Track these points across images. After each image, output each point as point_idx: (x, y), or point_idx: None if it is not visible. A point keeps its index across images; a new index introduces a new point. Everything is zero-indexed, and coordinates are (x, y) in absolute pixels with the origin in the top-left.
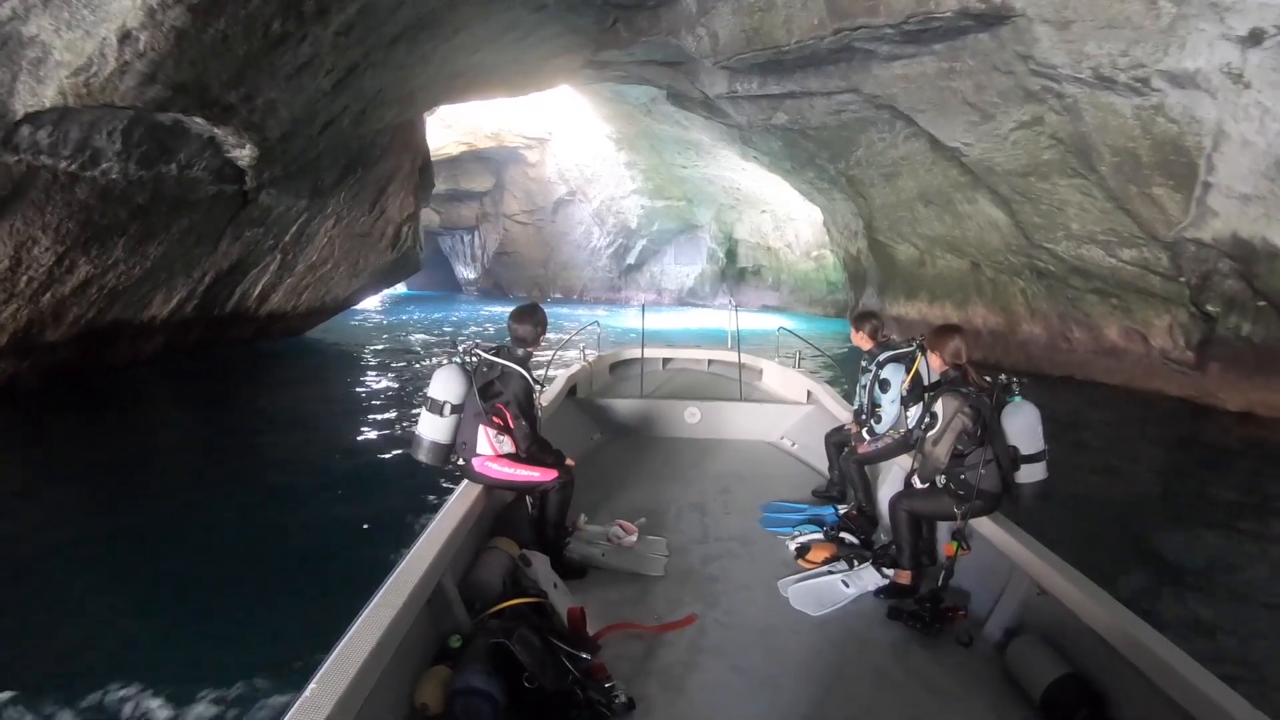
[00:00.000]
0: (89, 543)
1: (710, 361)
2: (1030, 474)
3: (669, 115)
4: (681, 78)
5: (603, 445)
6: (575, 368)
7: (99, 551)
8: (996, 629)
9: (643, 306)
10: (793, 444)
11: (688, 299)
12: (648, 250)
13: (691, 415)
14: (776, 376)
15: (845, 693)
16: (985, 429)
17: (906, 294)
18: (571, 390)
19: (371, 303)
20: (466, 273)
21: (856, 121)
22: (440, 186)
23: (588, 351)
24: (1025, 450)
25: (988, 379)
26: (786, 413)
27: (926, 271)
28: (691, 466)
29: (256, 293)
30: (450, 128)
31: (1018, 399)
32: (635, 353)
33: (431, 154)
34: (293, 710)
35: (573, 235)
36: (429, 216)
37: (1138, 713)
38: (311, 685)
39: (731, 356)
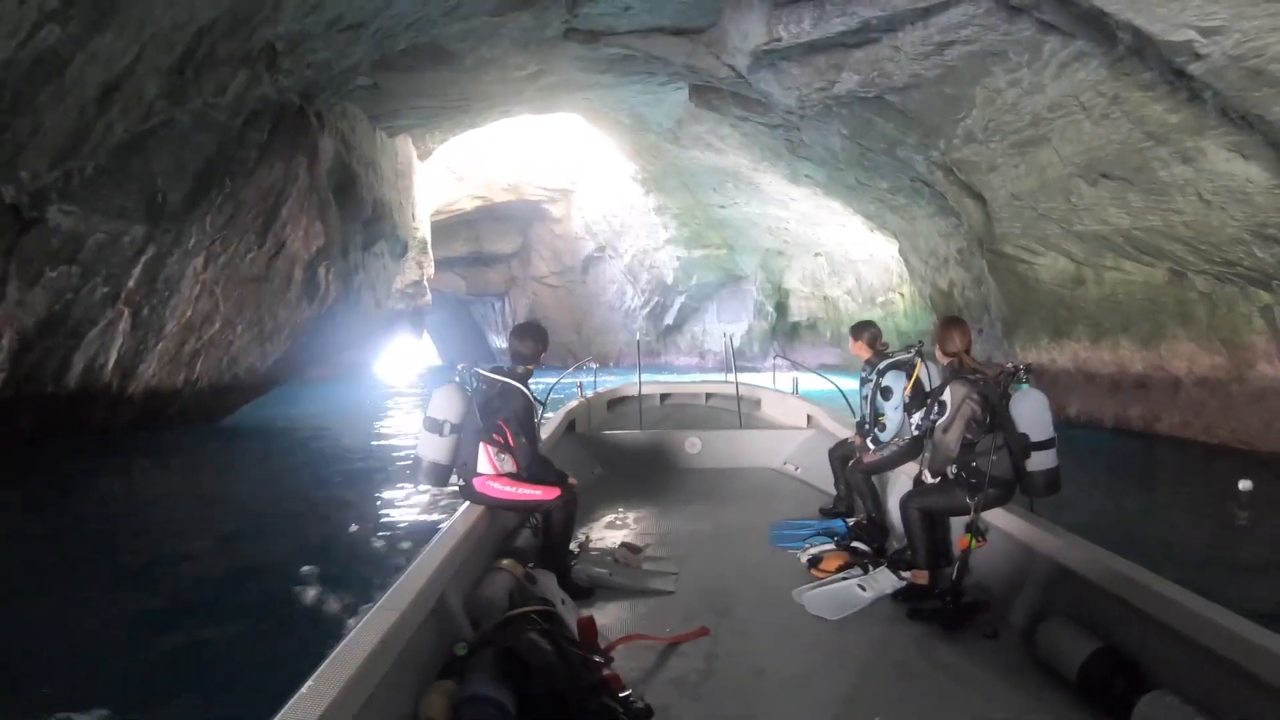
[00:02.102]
0: None
1: (708, 395)
2: (1041, 461)
3: (698, 137)
4: (702, 51)
5: (604, 479)
6: (573, 404)
7: None
8: (1021, 616)
9: (638, 339)
10: (796, 468)
11: (736, 361)
12: (687, 308)
13: (692, 445)
14: (776, 404)
15: (872, 689)
16: (994, 416)
17: (1053, 331)
18: (570, 426)
19: (400, 377)
20: (498, 342)
21: (972, 61)
22: (461, 249)
23: (585, 388)
24: (1035, 437)
25: (993, 367)
26: (788, 438)
27: (1087, 294)
28: (695, 494)
29: (111, 362)
30: (462, 180)
31: (1025, 386)
32: (633, 390)
33: (443, 210)
34: (284, 710)
35: (605, 296)
36: (454, 282)
37: (1178, 672)
38: (307, 685)
39: (729, 389)
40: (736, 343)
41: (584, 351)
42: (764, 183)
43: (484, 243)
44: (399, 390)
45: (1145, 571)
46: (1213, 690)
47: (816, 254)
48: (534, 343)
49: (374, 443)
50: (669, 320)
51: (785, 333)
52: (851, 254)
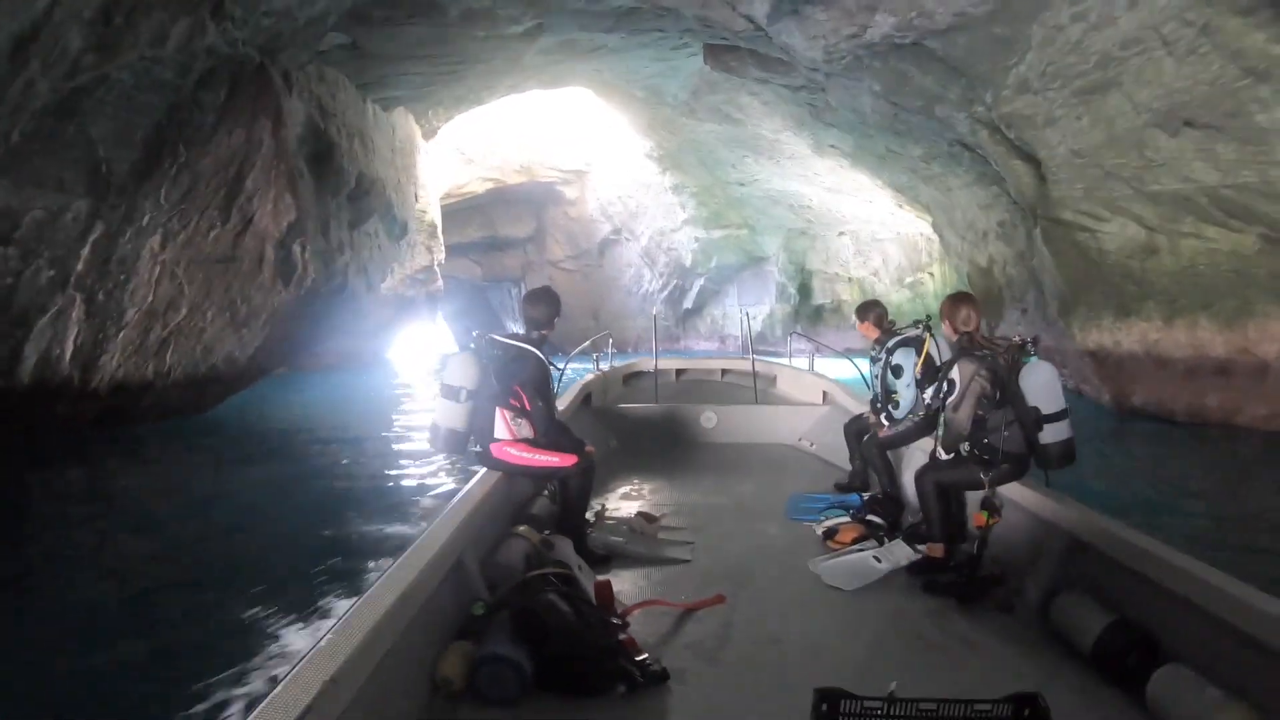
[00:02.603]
0: None
1: (724, 370)
2: (1055, 433)
3: (715, 108)
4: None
5: (619, 451)
6: (589, 377)
7: None
8: (1037, 590)
9: (655, 312)
10: (811, 444)
11: (756, 345)
12: (707, 291)
13: (708, 420)
14: (791, 380)
15: (888, 658)
16: (1004, 390)
17: (1118, 310)
18: (586, 399)
19: (414, 364)
20: (515, 329)
21: None
22: (475, 234)
23: (601, 362)
24: (1046, 410)
25: (1001, 340)
26: (804, 414)
27: (1161, 265)
28: (711, 468)
29: (68, 353)
30: (472, 163)
31: (1034, 359)
32: (648, 365)
33: (453, 194)
34: (300, 663)
35: (622, 280)
36: (469, 268)
37: (1193, 645)
38: (324, 639)
39: (745, 365)
40: (758, 326)
41: (601, 338)
42: (786, 155)
43: (498, 227)
44: (407, 380)
45: (1161, 544)
46: (1229, 663)
47: (841, 233)
48: (546, 307)
49: (371, 434)
50: (688, 304)
51: (808, 316)
52: (878, 233)
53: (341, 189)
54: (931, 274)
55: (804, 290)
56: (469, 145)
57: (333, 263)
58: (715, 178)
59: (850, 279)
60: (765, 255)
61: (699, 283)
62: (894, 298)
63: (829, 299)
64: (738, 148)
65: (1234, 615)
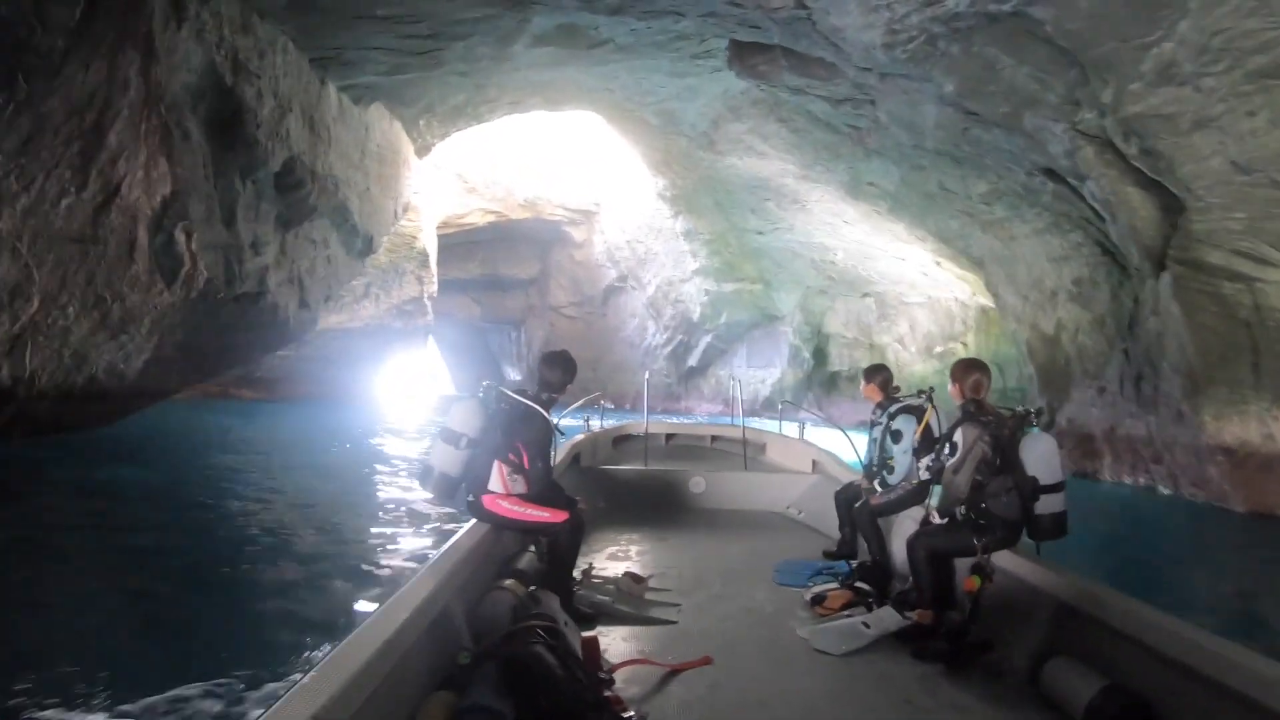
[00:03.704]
0: None
1: (714, 437)
2: (1049, 505)
3: (737, 140)
4: None
5: (607, 513)
6: (579, 437)
7: None
8: (1027, 656)
9: (647, 375)
10: (800, 512)
11: (763, 411)
12: (713, 349)
13: (697, 485)
14: (780, 449)
15: None
16: (1004, 458)
17: (1277, 393)
18: (575, 459)
19: (401, 407)
20: (513, 374)
21: None
22: (475, 271)
23: (591, 422)
24: (1044, 480)
25: (1005, 410)
26: (793, 482)
27: None
28: (699, 532)
29: None
30: (473, 192)
31: (1035, 430)
32: (639, 428)
33: (451, 223)
34: (277, 705)
35: (624, 331)
36: (468, 307)
37: (1187, 707)
38: (301, 684)
39: (735, 432)
40: (766, 391)
41: (599, 390)
42: (813, 199)
43: (500, 266)
44: (383, 424)
45: (1152, 609)
46: None
47: (865, 294)
48: (563, 373)
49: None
50: (692, 361)
51: (822, 383)
52: (906, 295)
53: (255, 169)
54: (965, 344)
55: (819, 355)
56: (471, 172)
57: (240, 263)
58: (731, 223)
59: (871, 345)
60: (779, 314)
61: (706, 339)
62: (920, 368)
63: (846, 366)
64: (759, 189)
65: (1229, 677)
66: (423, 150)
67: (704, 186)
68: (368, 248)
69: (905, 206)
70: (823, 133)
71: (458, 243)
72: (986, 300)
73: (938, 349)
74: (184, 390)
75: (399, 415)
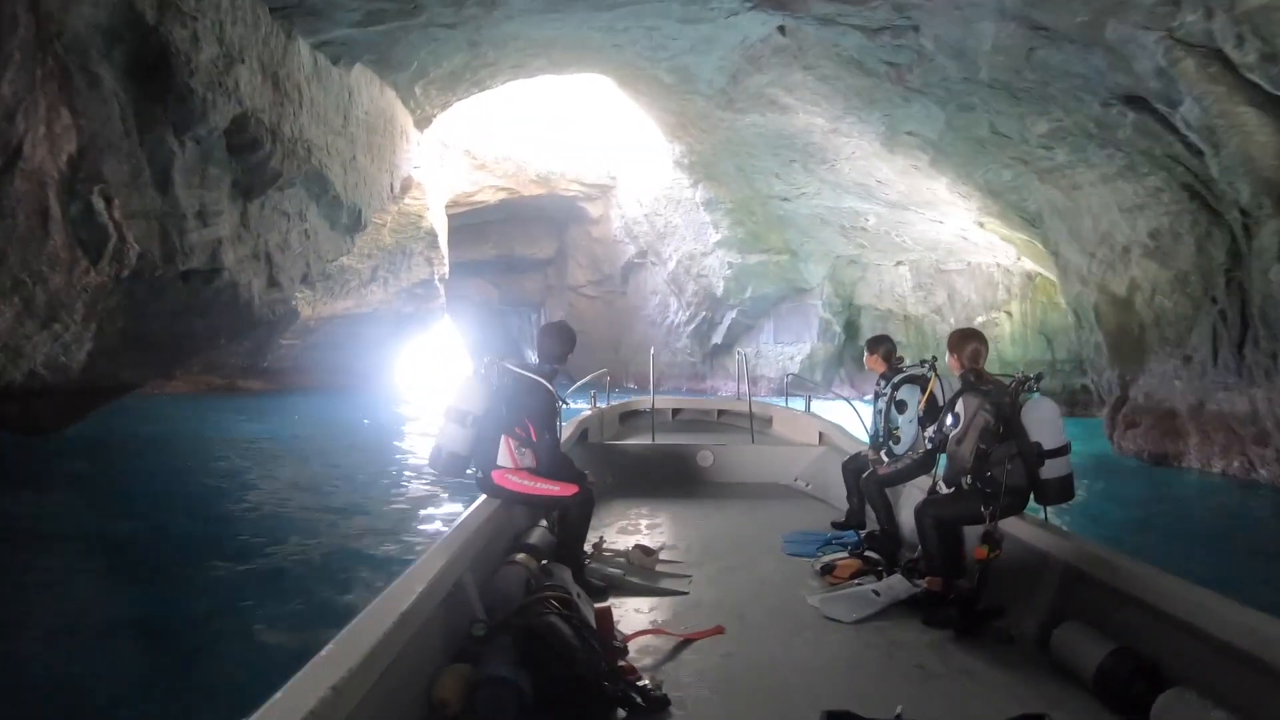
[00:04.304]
0: None
1: (720, 411)
2: (1055, 469)
3: (758, 93)
4: None
5: (616, 488)
6: (586, 413)
7: None
8: (1037, 621)
9: (653, 350)
10: (807, 484)
11: (792, 389)
12: (738, 325)
13: (704, 459)
14: (787, 422)
15: (890, 688)
16: (1007, 425)
17: None
18: (583, 435)
19: (415, 394)
20: (534, 357)
21: None
22: (491, 253)
23: (598, 399)
24: (1048, 445)
25: (1005, 377)
26: (800, 454)
27: None
28: (707, 505)
29: None
30: (483, 168)
31: (1036, 395)
32: (646, 403)
33: (461, 202)
34: (293, 680)
35: (645, 309)
36: (486, 290)
37: (1196, 668)
38: (319, 656)
39: (741, 406)
40: (795, 368)
41: (621, 371)
42: (843, 157)
43: (515, 246)
44: (385, 412)
45: (1160, 571)
46: (1233, 685)
47: (899, 262)
48: (562, 343)
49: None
50: (717, 339)
51: (855, 358)
52: (944, 262)
53: (192, 124)
54: (1009, 313)
55: (850, 328)
56: (480, 148)
57: (182, 235)
58: (754, 190)
59: (906, 317)
60: (808, 286)
61: (730, 315)
62: None
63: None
64: (784, 149)
65: (1237, 637)
66: (423, 122)
67: (724, 150)
68: (356, 222)
69: (949, 157)
70: (854, 76)
71: (470, 223)
72: (1033, 265)
73: (979, 319)
74: (155, 384)
75: (414, 402)
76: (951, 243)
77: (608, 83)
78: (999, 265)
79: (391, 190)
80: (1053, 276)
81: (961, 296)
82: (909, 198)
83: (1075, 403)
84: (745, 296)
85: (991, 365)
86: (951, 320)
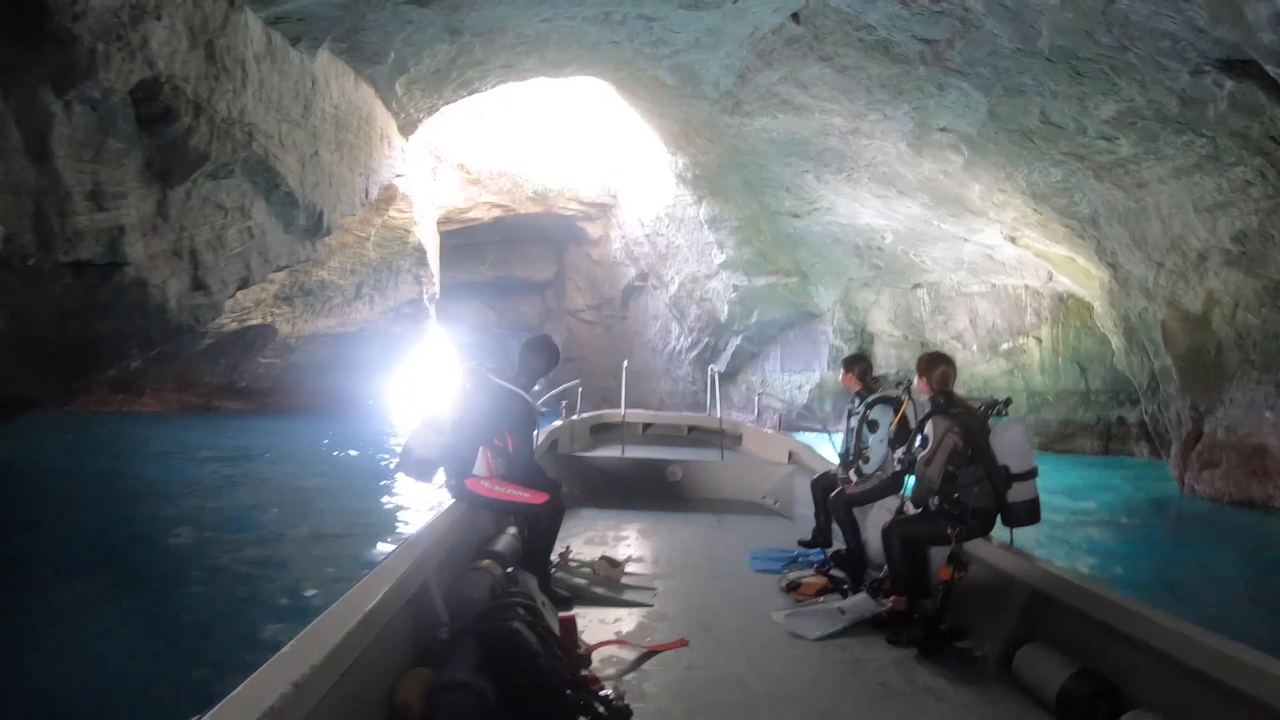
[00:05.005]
0: None
1: (690, 427)
2: (1022, 492)
3: (769, 93)
4: None
5: (584, 499)
6: (556, 424)
7: None
8: (1001, 642)
9: (624, 364)
10: (775, 502)
11: (800, 421)
12: (743, 352)
13: (673, 474)
14: (757, 440)
15: (853, 706)
16: (976, 448)
17: None
18: (553, 445)
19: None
20: (537, 386)
21: None
22: (488, 273)
23: (569, 409)
24: (1015, 469)
25: (974, 401)
26: (769, 472)
27: None
28: (675, 520)
29: None
30: (477, 183)
31: (1005, 419)
32: (616, 417)
33: (454, 218)
34: (252, 677)
35: (646, 335)
36: (482, 313)
37: (1157, 690)
38: (279, 655)
39: (712, 423)
40: (804, 398)
41: (619, 398)
42: (862, 164)
43: (513, 268)
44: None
45: (1122, 595)
46: (1193, 707)
47: (916, 285)
48: (547, 358)
49: None
50: (721, 367)
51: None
52: (966, 284)
53: (77, 81)
54: (1038, 338)
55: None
56: (474, 162)
57: (64, 217)
58: (762, 206)
59: (924, 343)
60: (817, 311)
61: (735, 342)
62: (983, 369)
63: (894, 368)
64: (795, 158)
65: (1198, 660)
66: (408, 127)
67: (730, 161)
68: (316, 226)
69: (987, 156)
70: (880, 64)
71: (465, 243)
72: (1069, 284)
73: (1005, 346)
74: (120, 401)
75: (400, 425)
76: (975, 262)
77: (606, 92)
78: (1027, 287)
79: (366, 196)
80: (1089, 297)
81: (984, 321)
82: (933, 210)
83: (1111, 437)
84: (751, 322)
85: (1017, 395)
86: (974, 347)
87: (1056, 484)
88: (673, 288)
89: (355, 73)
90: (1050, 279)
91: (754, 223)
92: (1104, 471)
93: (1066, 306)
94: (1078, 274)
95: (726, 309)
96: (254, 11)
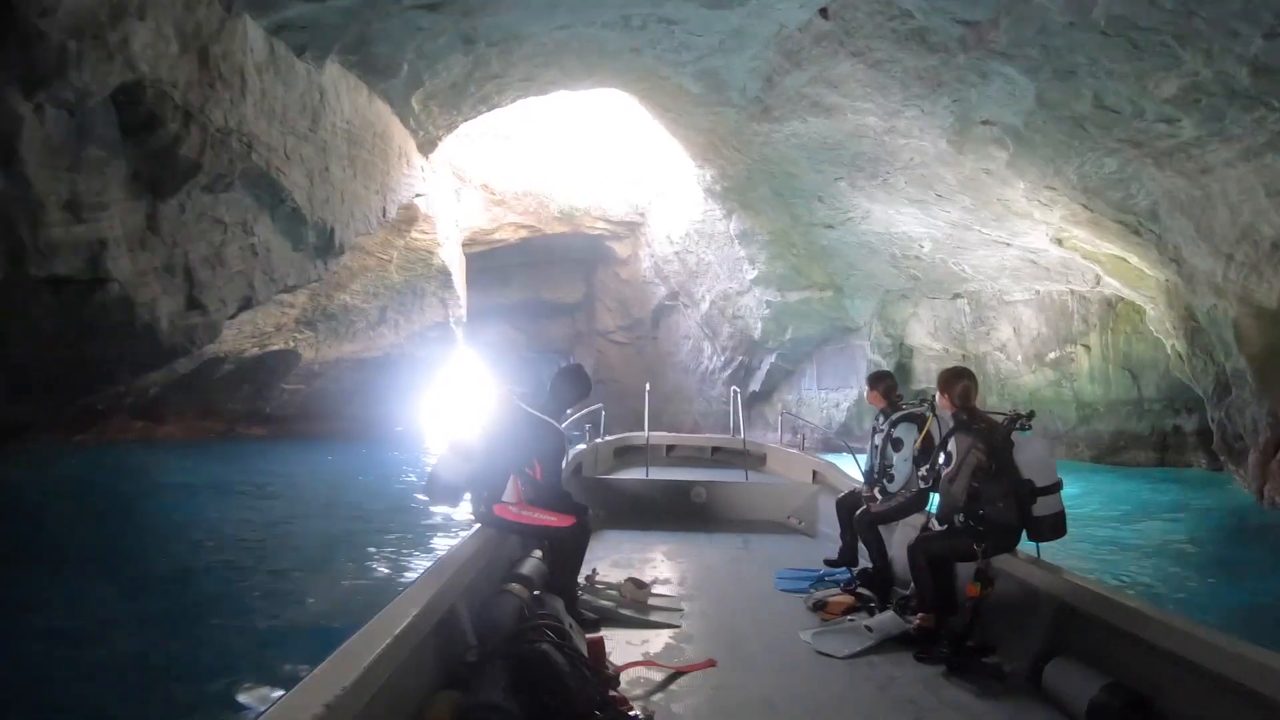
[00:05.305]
0: None
1: (715, 449)
2: (1047, 506)
3: (799, 94)
4: None
5: (610, 521)
6: (580, 447)
7: None
8: (1029, 657)
9: (647, 387)
10: (800, 522)
11: (837, 440)
12: (778, 370)
13: (698, 495)
14: (781, 460)
15: None
16: (999, 463)
17: None
18: (577, 469)
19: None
20: (569, 411)
21: None
22: (515, 295)
23: (592, 433)
24: (1040, 483)
25: (998, 415)
26: (793, 492)
27: None
28: (700, 541)
29: None
30: (502, 204)
31: (1028, 433)
32: (640, 439)
33: (479, 240)
34: (285, 697)
35: (678, 355)
36: (511, 335)
37: (1187, 701)
38: (310, 677)
39: (736, 444)
40: (841, 416)
41: (652, 421)
42: (898, 166)
43: (541, 290)
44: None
45: (1150, 605)
46: (1226, 717)
47: (956, 295)
48: (580, 388)
49: None
50: (755, 386)
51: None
52: (1009, 292)
53: (46, 81)
54: (1086, 346)
55: (902, 371)
56: (498, 182)
57: (36, 229)
58: (794, 217)
59: (964, 356)
60: (853, 325)
61: (769, 360)
62: (1029, 380)
63: (933, 382)
64: (828, 164)
65: (1228, 669)
66: (427, 145)
67: (760, 172)
68: (328, 244)
69: (1034, 150)
70: (916, 55)
71: (492, 265)
72: (1119, 286)
73: (1051, 355)
74: (142, 429)
75: (428, 451)
76: (1018, 268)
77: (630, 107)
78: (1073, 292)
79: (384, 215)
80: (1141, 300)
81: (1029, 330)
82: (974, 214)
83: (1166, 448)
84: (785, 339)
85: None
86: (1019, 358)
87: (1119, 500)
88: (704, 306)
89: (369, 87)
90: (1098, 282)
91: (786, 235)
92: (1165, 485)
93: (1116, 311)
94: (1130, 275)
95: (760, 326)
96: (254, 19)
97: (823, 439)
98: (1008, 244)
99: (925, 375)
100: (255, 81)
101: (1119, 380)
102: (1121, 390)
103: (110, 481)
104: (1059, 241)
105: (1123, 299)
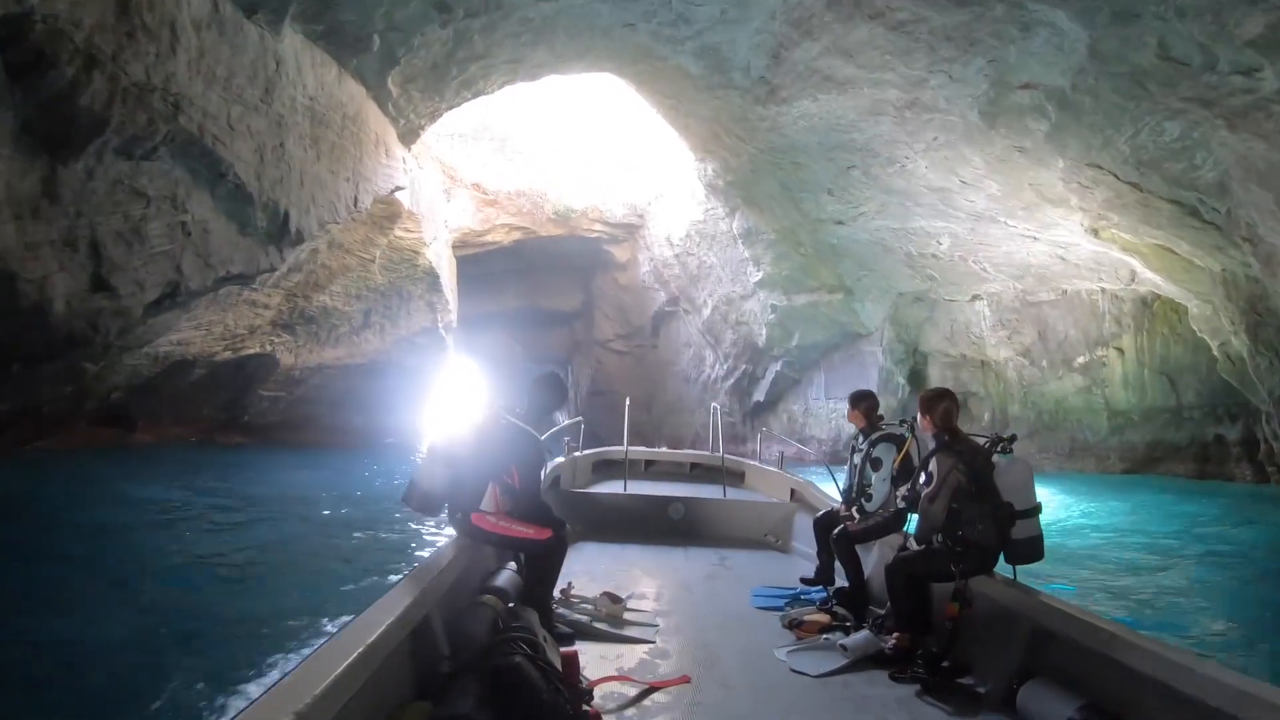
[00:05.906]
0: None
1: (693, 464)
2: (1025, 529)
3: (808, 70)
4: None
5: (587, 535)
6: (559, 460)
7: None
8: (1004, 678)
9: (627, 401)
10: (777, 540)
11: (846, 453)
12: (784, 379)
13: (676, 511)
14: (759, 477)
15: None
16: (980, 485)
17: None
18: (555, 481)
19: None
20: (563, 418)
21: None
22: (511, 303)
23: (571, 446)
24: (1019, 506)
25: (979, 438)
26: (771, 509)
27: None
28: (676, 557)
29: None
30: (494, 204)
31: (1009, 456)
32: (619, 454)
33: (470, 242)
34: (261, 698)
35: (679, 364)
36: (507, 345)
37: None
38: (279, 684)
39: (715, 460)
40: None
41: (653, 433)
42: (921, 148)
43: (539, 298)
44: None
45: (1126, 628)
46: None
47: (975, 296)
48: (556, 396)
49: None
50: (759, 396)
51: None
52: (1034, 292)
53: None
54: (1119, 349)
55: (916, 379)
56: (489, 180)
57: None
58: (802, 213)
59: (984, 362)
60: (864, 330)
61: (774, 368)
62: (1054, 388)
63: (953, 390)
64: (840, 151)
65: (1203, 693)
66: (409, 135)
67: (765, 163)
68: (281, 230)
69: (1082, 115)
70: (944, 11)
71: (488, 272)
72: (1156, 282)
73: (1080, 360)
74: (113, 436)
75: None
76: (1044, 265)
77: (627, 98)
78: (1104, 290)
79: (356, 204)
80: (1181, 298)
81: (1056, 333)
82: (1000, 203)
83: (1207, 459)
84: (791, 345)
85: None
86: (1044, 364)
87: (1171, 518)
88: (706, 311)
89: (338, 65)
90: (1133, 279)
91: (793, 233)
92: (1213, 500)
93: (1152, 311)
94: (1175, 268)
95: (764, 332)
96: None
97: (831, 453)
98: (1035, 238)
99: (941, 383)
100: (192, 38)
101: (1155, 386)
102: (1158, 397)
103: (35, 492)
104: (1094, 232)
105: (1160, 297)
